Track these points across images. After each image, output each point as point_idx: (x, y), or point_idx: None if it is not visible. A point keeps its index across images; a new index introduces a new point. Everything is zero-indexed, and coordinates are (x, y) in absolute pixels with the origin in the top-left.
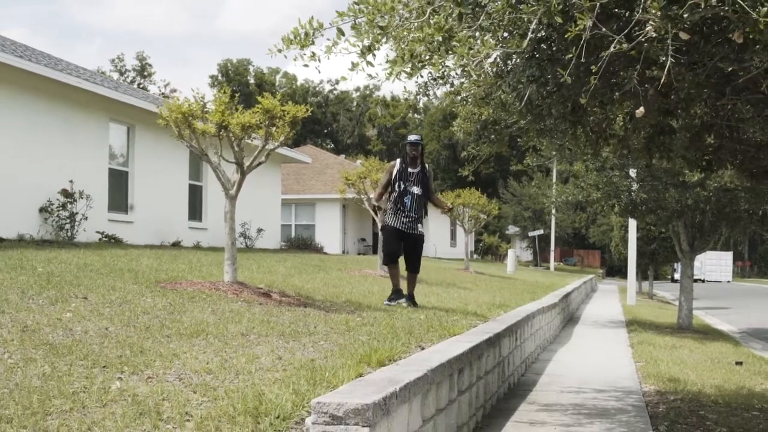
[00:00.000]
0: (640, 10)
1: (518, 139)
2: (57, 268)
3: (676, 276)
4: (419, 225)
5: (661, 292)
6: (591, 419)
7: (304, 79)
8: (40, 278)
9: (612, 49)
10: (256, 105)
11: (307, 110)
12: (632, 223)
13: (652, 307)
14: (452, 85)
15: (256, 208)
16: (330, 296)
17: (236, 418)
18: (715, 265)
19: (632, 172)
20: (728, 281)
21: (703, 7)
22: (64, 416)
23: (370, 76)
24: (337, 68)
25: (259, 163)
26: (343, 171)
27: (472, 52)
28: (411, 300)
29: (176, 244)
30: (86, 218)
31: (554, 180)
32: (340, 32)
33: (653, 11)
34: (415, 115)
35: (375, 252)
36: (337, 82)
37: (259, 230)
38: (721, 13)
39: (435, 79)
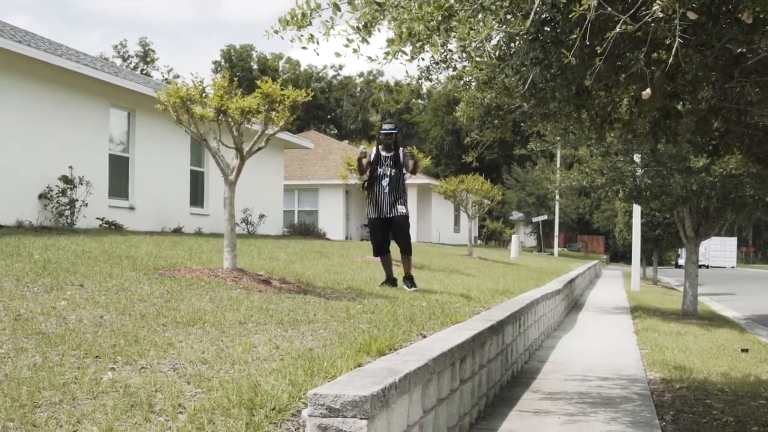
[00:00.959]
0: None
1: (522, 124)
2: (54, 255)
3: (680, 261)
4: (399, 205)
5: (665, 278)
6: (596, 408)
7: (308, 64)
8: (36, 265)
9: (618, 29)
10: (256, 89)
11: (308, 95)
12: (636, 209)
13: (657, 293)
14: (455, 69)
15: (258, 194)
16: (331, 283)
17: (231, 410)
18: (719, 250)
19: (636, 158)
20: (732, 267)
21: None
22: (53, 408)
23: (369, 58)
24: (338, 53)
25: (259, 149)
26: (345, 156)
27: (472, 32)
28: (410, 281)
29: (177, 231)
30: (86, 204)
31: (558, 165)
32: (336, 7)
33: None
34: (419, 101)
35: None
36: (341, 68)
37: (261, 216)
38: None
39: (437, 63)
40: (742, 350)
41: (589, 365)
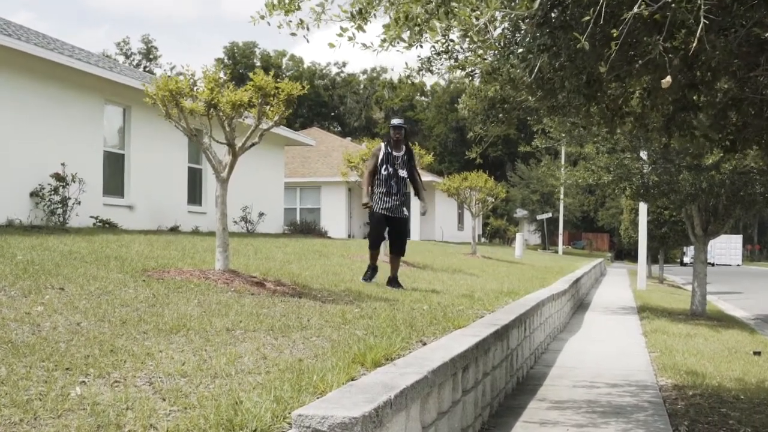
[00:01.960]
0: None
1: (528, 119)
2: (38, 256)
3: (686, 260)
4: (405, 208)
5: (671, 276)
6: (606, 418)
7: (311, 61)
8: (17, 267)
9: (635, 10)
10: (248, 82)
11: (303, 88)
12: (643, 207)
13: (664, 293)
14: (456, 59)
15: (257, 192)
16: (329, 284)
17: (207, 431)
18: (724, 248)
19: (643, 155)
20: (738, 265)
21: None
22: (11, 429)
23: (364, 45)
24: (342, 50)
25: (252, 144)
26: (346, 153)
27: (474, 15)
28: (395, 282)
29: (174, 229)
30: (79, 203)
31: (563, 162)
32: None
33: None
34: (422, 98)
35: None
36: (344, 65)
37: (261, 214)
38: None
39: (438, 54)
40: (755, 353)
41: (598, 370)
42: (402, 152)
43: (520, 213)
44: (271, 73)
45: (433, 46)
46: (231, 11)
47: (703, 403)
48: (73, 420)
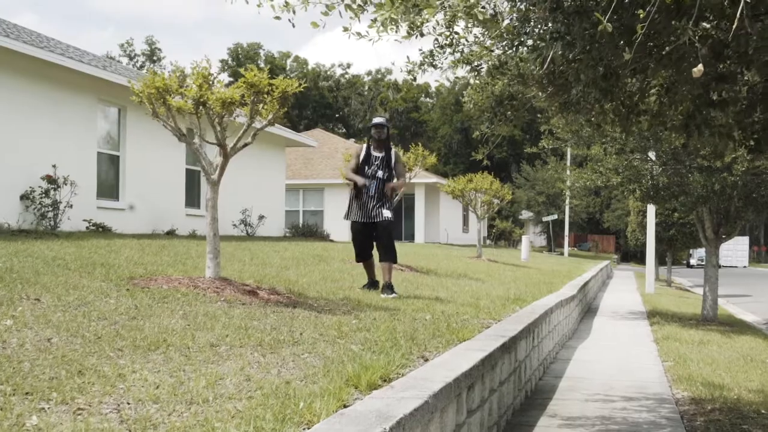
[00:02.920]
0: None
1: (538, 116)
2: (19, 263)
3: (692, 261)
4: (385, 210)
5: (678, 279)
6: None
7: (316, 63)
8: None
9: None
10: (240, 79)
11: (299, 85)
12: (651, 209)
13: (672, 296)
14: (462, 53)
15: (258, 194)
16: (326, 292)
17: None
18: (731, 250)
19: (651, 155)
20: (744, 266)
21: None
22: None
23: (359, 34)
24: (346, 51)
25: (245, 145)
26: (346, 154)
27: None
28: (389, 289)
29: (171, 233)
30: (71, 206)
31: (568, 164)
32: None
33: None
34: (427, 99)
35: None
36: (349, 66)
37: (261, 217)
38: None
39: (442, 47)
40: None
41: (609, 381)
42: (382, 153)
43: (525, 215)
44: (266, 68)
45: (436, 39)
46: (236, 13)
47: (723, 419)
48: None
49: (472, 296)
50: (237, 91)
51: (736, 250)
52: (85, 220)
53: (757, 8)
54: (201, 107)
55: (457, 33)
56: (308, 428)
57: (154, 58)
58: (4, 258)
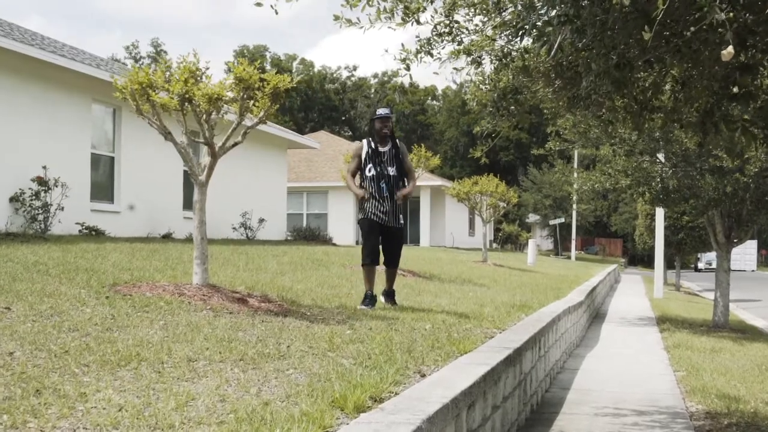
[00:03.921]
0: None
1: (544, 111)
2: None
3: (700, 265)
4: (400, 216)
5: (687, 283)
6: None
7: (322, 65)
8: None
9: None
10: (228, 73)
11: (292, 80)
12: (659, 212)
13: (681, 301)
14: (461, 42)
15: (258, 197)
16: (322, 300)
17: None
18: (739, 253)
19: (661, 157)
20: (752, 270)
21: None
22: None
23: (349, 21)
24: (353, 54)
25: (235, 144)
26: (346, 155)
27: None
28: (391, 298)
29: (167, 236)
30: (62, 208)
31: (575, 166)
32: None
33: None
34: (433, 102)
35: None
36: (355, 69)
37: (261, 220)
38: None
39: (440, 35)
40: None
41: (620, 393)
42: (388, 146)
43: (532, 218)
44: (257, 63)
45: (435, 27)
46: (242, 16)
47: None
48: None
49: (475, 303)
50: (224, 87)
51: (744, 253)
52: (77, 223)
53: None
54: (187, 104)
55: (456, 21)
56: None
57: (159, 60)
58: None
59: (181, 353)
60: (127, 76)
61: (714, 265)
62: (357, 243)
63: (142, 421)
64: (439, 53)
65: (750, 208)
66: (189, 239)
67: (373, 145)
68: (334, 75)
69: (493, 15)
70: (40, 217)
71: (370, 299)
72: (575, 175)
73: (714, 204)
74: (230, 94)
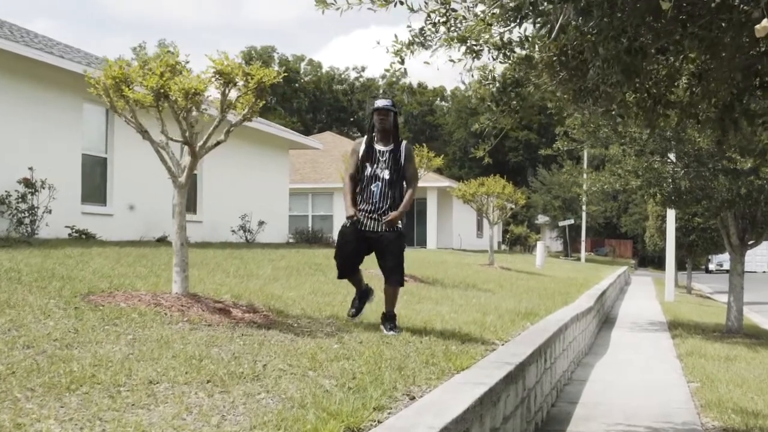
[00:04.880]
0: None
1: (549, 105)
2: None
3: (711, 266)
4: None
5: (697, 284)
6: None
7: (330, 66)
8: None
9: None
10: (207, 66)
11: (279, 74)
12: (671, 214)
13: (693, 304)
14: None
15: (258, 198)
16: (312, 309)
17: None
18: (749, 254)
19: (672, 157)
20: (764, 272)
21: None
22: None
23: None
24: (361, 55)
25: (218, 143)
26: (345, 155)
27: None
28: (391, 323)
29: (162, 240)
30: (50, 211)
31: (585, 167)
32: None
33: None
34: (442, 103)
35: None
36: (363, 69)
37: (261, 223)
38: None
39: (434, 25)
40: None
41: (631, 408)
42: (390, 146)
43: (541, 219)
44: (240, 54)
45: (429, 15)
46: (251, 17)
47: None
48: None
49: (478, 311)
50: (202, 81)
51: (754, 254)
52: (67, 227)
53: None
54: (163, 99)
55: (454, 9)
56: None
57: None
58: None
59: (143, 374)
60: (104, 70)
61: (725, 267)
62: None
63: None
64: (433, 43)
65: (765, 209)
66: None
67: (373, 142)
68: (343, 76)
69: (491, 2)
70: (27, 221)
71: (360, 299)
72: (584, 176)
73: (727, 206)
74: (214, 90)
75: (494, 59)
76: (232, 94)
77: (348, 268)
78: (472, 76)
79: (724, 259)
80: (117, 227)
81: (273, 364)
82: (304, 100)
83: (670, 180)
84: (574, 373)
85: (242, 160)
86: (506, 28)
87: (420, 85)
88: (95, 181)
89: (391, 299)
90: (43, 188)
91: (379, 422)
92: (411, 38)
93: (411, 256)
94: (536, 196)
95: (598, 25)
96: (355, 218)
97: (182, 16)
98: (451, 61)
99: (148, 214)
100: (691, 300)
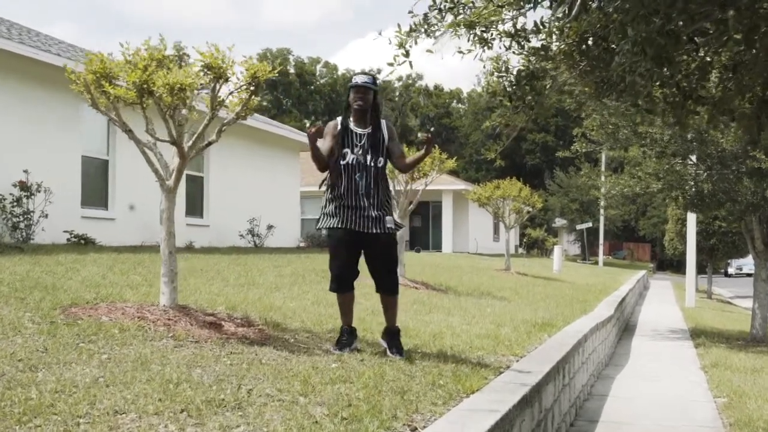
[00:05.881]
0: None
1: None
2: None
3: (730, 270)
4: (386, 215)
5: (717, 289)
6: None
7: (346, 68)
8: None
9: None
10: (196, 60)
11: (273, 69)
12: (691, 217)
13: (715, 310)
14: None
15: (268, 202)
16: (313, 322)
17: None
18: None
19: (694, 159)
20: None
21: None
22: None
23: None
24: (377, 58)
25: (209, 143)
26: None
27: None
28: (395, 342)
29: None
30: (46, 215)
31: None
32: None
33: None
34: (459, 105)
35: (412, 247)
36: (379, 72)
37: (270, 227)
38: None
39: (440, 11)
40: None
41: (655, 428)
42: (368, 129)
43: (559, 222)
44: (230, 47)
45: (434, 1)
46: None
47: None
48: None
49: (492, 322)
50: (188, 75)
51: None
52: (66, 231)
53: None
54: (147, 96)
55: None
56: None
57: (182, 63)
58: None
59: (109, 402)
60: (86, 65)
61: (744, 270)
62: None
63: None
64: (439, 30)
65: None
66: (188, 248)
67: (349, 123)
68: None
69: None
70: (22, 225)
71: (347, 337)
72: (602, 178)
73: (752, 209)
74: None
75: (507, 48)
76: (226, 91)
77: (345, 278)
78: (484, 67)
79: (743, 262)
80: (118, 232)
81: (260, 389)
82: (320, 103)
83: (692, 183)
84: (594, 387)
85: (250, 162)
86: (519, 11)
87: (436, 87)
88: (96, 184)
89: (392, 311)
90: (39, 191)
91: None
92: (413, 25)
93: (425, 260)
94: (553, 198)
95: (626, 2)
96: (320, 126)
97: (197, 17)
98: (460, 52)
99: (151, 218)
100: (712, 305)
